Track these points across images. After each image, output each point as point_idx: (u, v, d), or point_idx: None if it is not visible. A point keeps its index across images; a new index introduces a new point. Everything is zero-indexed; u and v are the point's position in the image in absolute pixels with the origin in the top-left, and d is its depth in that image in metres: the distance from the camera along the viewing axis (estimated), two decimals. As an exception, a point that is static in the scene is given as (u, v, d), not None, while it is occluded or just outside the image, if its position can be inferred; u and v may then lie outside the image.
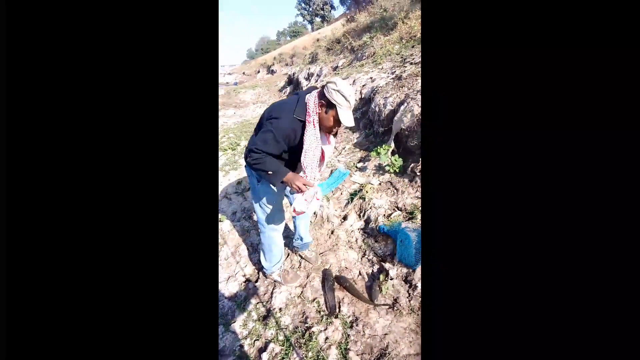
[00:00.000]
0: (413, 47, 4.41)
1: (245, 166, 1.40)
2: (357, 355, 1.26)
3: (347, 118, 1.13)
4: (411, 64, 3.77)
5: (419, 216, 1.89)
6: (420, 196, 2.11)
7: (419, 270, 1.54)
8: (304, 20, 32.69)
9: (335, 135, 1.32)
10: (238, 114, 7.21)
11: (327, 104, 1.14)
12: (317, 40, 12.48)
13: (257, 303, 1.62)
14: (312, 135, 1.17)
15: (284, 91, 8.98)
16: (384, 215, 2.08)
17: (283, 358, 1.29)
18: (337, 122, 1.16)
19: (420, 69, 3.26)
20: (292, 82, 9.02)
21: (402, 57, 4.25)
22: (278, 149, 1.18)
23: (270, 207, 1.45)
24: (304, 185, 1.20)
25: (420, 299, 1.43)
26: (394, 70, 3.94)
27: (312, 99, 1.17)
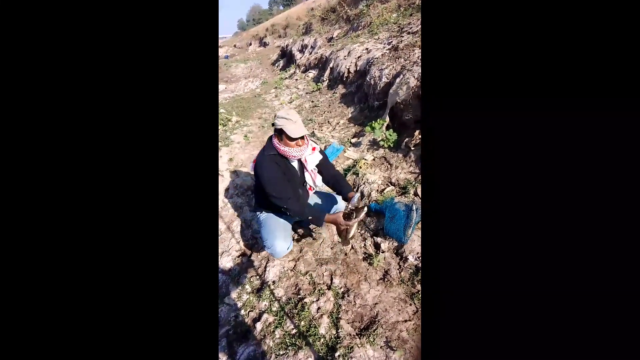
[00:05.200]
0: (411, 15, 4.19)
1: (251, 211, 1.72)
2: (348, 323, 1.30)
3: (294, 130, 1.34)
4: (409, 33, 3.60)
5: (411, 191, 1.89)
6: (412, 171, 2.10)
7: (410, 243, 1.56)
8: (297, -13, 30.79)
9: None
10: (229, 89, 6.96)
11: (279, 132, 1.40)
12: (312, 9, 11.81)
13: (251, 276, 1.65)
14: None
15: (277, 64, 8.63)
16: (377, 190, 2.07)
17: (276, 327, 1.33)
18: (293, 139, 1.37)
19: (417, 39, 3.12)
20: (286, 54, 8.63)
21: (399, 27, 4.06)
22: (284, 183, 1.43)
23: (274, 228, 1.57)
24: (343, 220, 1.40)
25: (410, 270, 1.46)
26: (390, 41, 3.77)
27: (273, 138, 1.45)
